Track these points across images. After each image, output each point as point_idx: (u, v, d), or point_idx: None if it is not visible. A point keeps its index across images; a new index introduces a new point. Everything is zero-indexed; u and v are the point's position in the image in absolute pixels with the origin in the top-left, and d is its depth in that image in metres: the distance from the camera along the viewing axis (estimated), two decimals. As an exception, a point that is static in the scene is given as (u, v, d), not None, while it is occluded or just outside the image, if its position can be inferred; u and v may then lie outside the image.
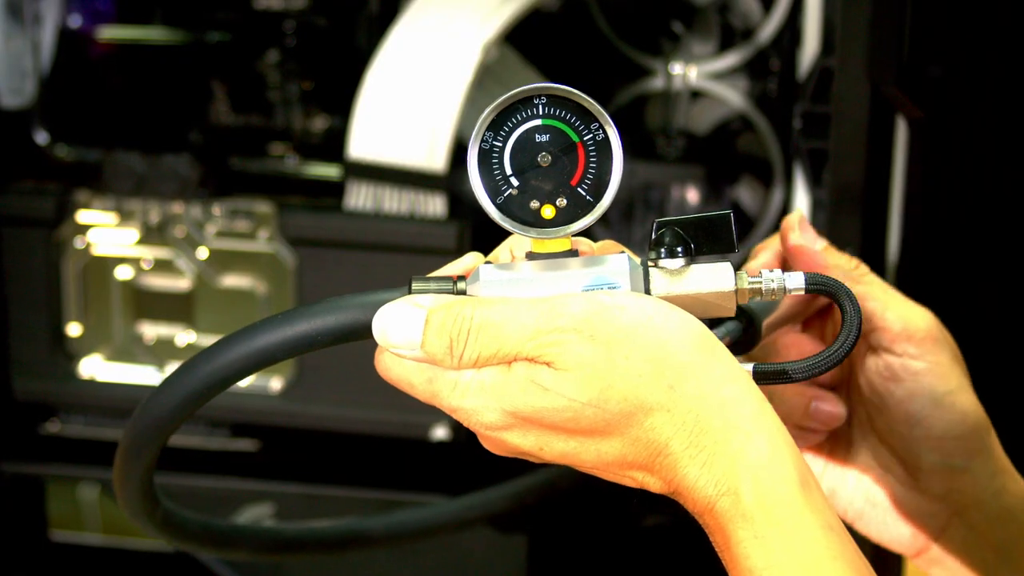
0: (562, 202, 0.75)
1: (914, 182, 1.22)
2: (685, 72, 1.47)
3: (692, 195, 1.45)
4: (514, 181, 0.75)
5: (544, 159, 0.74)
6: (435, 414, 1.37)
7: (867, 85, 1.20)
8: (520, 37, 1.43)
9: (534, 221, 0.75)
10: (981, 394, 0.91)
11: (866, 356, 0.90)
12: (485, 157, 0.74)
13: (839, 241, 1.26)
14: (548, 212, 0.75)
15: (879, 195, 1.25)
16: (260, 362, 0.78)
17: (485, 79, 1.39)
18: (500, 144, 0.74)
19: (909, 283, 1.23)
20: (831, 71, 1.25)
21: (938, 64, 1.12)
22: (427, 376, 0.74)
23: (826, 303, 0.93)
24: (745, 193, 1.49)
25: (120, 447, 0.85)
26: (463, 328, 0.73)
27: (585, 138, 0.74)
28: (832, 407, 0.91)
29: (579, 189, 0.75)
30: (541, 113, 0.74)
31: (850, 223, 1.25)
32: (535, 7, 1.39)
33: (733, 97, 1.48)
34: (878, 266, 1.29)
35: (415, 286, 0.76)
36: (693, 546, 1.48)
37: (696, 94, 1.49)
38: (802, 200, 1.39)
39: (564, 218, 0.75)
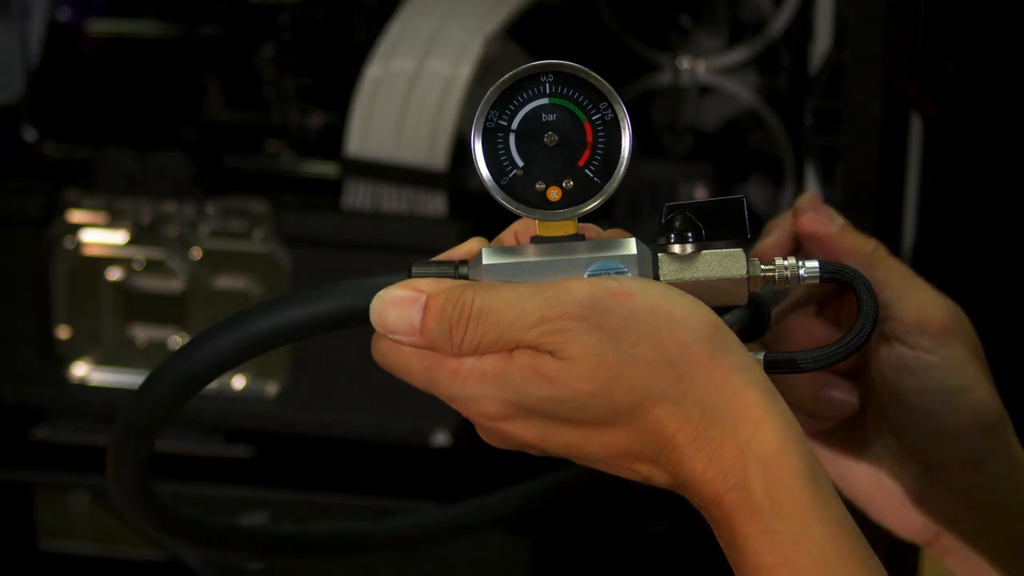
0: (569, 184, 0.74)
1: (929, 180, 1.23)
2: (693, 67, 1.47)
3: (700, 193, 1.45)
4: (519, 161, 0.73)
5: (551, 139, 0.73)
6: (435, 419, 1.37)
7: (881, 81, 1.20)
8: (523, 31, 1.42)
9: (539, 203, 0.74)
10: (999, 388, 0.90)
11: (879, 345, 0.89)
12: (490, 136, 0.73)
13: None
14: (554, 194, 0.74)
15: (893, 194, 1.26)
16: (251, 350, 0.76)
17: (487, 74, 1.38)
18: (505, 123, 0.73)
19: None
20: (844, 66, 1.25)
21: (954, 59, 1.12)
22: (426, 364, 0.73)
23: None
24: (755, 191, 1.48)
25: (112, 439, 0.83)
26: (463, 314, 0.71)
27: (593, 118, 0.73)
28: (844, 395, 0.90)
29: (587, 170, 0.74)
30: (548, 92, 0.73)
31: (863, 222, 1.25)
32: (538, 0, 1.39)
33: (743, 93, 1.47)
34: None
35: (415, 270, 0.75)
36: (697, 551, 1.48)
37: (704, 89, 1.48)
38: (813, 199, 1.38)
39: (571, 200, 0.74)
